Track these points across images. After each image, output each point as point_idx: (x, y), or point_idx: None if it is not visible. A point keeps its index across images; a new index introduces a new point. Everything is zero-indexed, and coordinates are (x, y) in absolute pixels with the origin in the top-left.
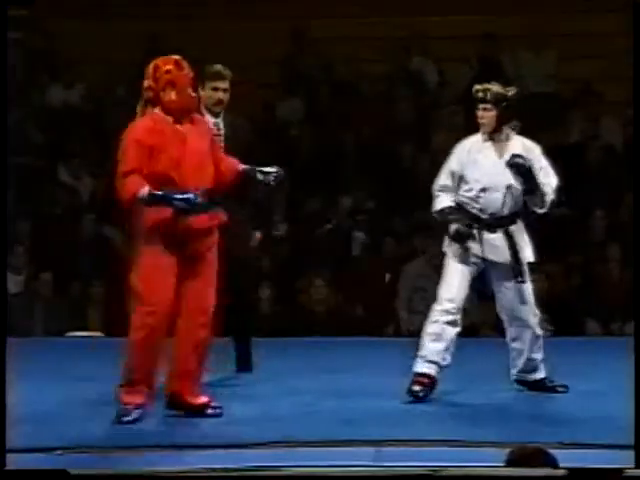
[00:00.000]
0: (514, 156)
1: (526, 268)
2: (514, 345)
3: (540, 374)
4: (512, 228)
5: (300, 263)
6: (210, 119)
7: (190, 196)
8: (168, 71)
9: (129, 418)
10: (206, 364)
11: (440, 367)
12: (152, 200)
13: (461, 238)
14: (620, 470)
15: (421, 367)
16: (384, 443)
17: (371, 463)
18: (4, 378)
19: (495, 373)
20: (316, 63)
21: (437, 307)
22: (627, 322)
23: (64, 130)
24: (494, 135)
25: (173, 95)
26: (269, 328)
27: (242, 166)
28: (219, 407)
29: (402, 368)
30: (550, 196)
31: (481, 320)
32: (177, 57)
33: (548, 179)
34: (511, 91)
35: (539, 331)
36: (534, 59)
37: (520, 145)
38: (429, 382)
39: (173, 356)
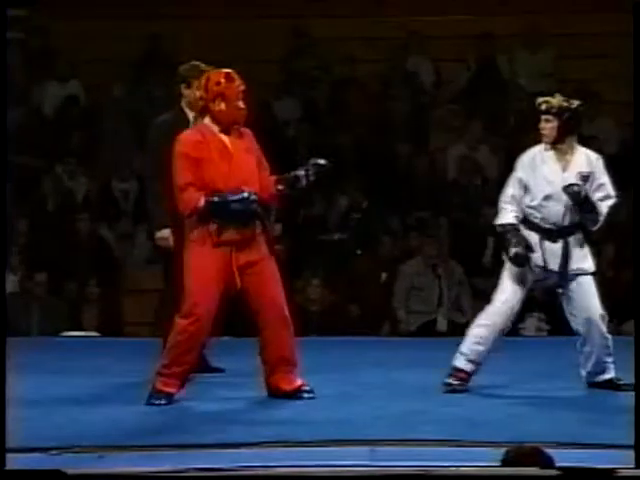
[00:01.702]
0: (571, 185)
1: (585, 278)
2: (584, 349)
3: (609, 374)
4: (570, 238)
5: (296, 263)
6: (191, 114)
7: (245, 195)
8: (218, 83)
9: (158, 402)
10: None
11: (477, 366)
12: (210, 207)
13: (519, 262)
14: (612, 470)
15: (460, 363)
16: (378, 443)
17: (365, 463)
18: (4, 378)
19: (492, 373)
20: (314, 63)
21: (489, 308)
22: (625, 321)
23: (61, 130)
24: (557, 146)
25: (223, 106)
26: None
27: (278, 186)
28: (311, 390)
29: (400, 367)
30: (604, 215)
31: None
32: (229, 70)
33: (605, 197)
34: (574, 103)
35: (607, 334)
36: (531, 59)
37: (584, 158)
38: (465, 377)
39: (262, 350)
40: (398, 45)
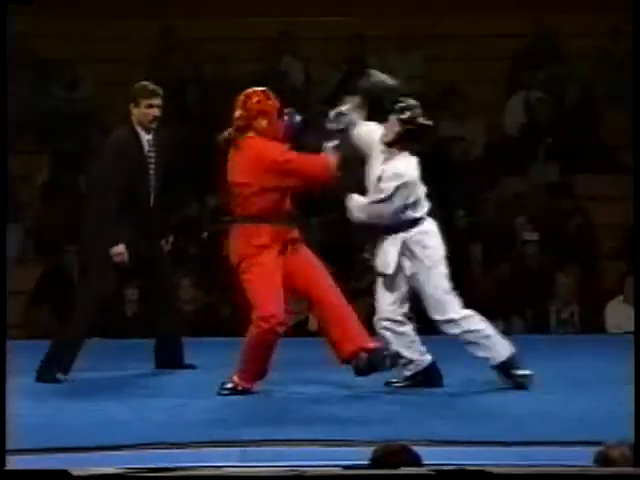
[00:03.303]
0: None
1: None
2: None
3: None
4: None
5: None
6: (144, 136)
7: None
8: (259, 101)
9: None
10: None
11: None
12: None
13: None
14: (482, 471)
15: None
16: (250, 443)
17: (237, 463)
18: (4, 378)
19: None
20: (185, 63)
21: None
22: (492, 321)
23: None
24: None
25: (264, 123)
26: (137, 329)
27: (330, 159)
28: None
29: (273, 366)
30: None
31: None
32: (265, 88)
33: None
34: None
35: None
36: (402, 60)
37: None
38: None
39: (330, 327)
40: (271, 46)
